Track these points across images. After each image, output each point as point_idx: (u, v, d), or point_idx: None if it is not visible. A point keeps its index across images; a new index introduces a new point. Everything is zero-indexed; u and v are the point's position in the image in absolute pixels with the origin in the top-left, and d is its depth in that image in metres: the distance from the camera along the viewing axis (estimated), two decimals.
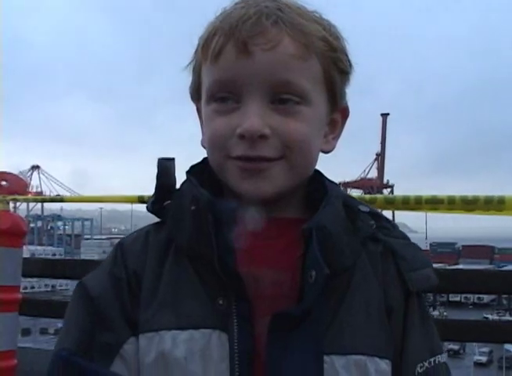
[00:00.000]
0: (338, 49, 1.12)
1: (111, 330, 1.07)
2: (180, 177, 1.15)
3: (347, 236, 1.09)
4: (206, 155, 1.16)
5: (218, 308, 1.04)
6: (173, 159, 1.16)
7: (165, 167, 1.14)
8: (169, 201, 1.13)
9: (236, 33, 1.03)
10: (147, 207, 1.16)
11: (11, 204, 3.99)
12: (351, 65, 1.15)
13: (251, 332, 1.03)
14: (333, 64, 1.11)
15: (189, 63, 1.16)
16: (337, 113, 1.18)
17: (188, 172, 1.14)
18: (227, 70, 1.05)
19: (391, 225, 1.19)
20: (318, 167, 1.18)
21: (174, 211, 1.11)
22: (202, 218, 1.04)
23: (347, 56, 1.14)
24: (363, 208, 1.17)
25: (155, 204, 1.15)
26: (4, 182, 3.88)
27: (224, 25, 1.06)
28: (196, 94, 1.17)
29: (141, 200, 3.74)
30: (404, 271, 1.12)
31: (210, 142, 1.11)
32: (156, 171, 1.15)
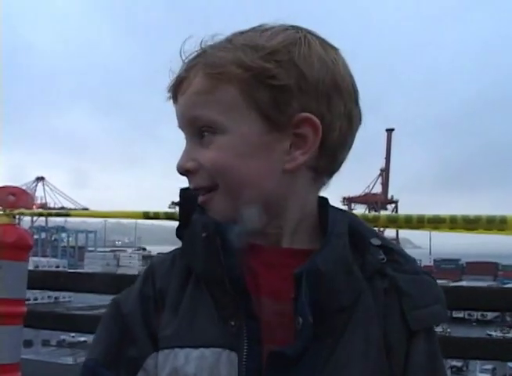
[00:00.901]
0: (262, 68, 1.08)
1: (137, 345, 1.13)
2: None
3: (349, 274, 1.10)
4: None
5: (229, 329, 1.07)
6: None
7: (187, 195, 1.19)
8: None
9: (174, 82, 1.18)
10: (176, 232, 1.21)
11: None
12: (290, 76, 1.09)
13: (260, 351, 1.06)
14: (258, 83, 1.09)
15: None
16: (303, 127, 1.11)
17: (198, 203, 1.18)
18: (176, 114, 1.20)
19: (404, 259, 1.17)
20: None
21: (188, 239, 1.17)
22: (212, 243, 1.09)
23: (284, 66, 1.09)
24: (375, 242, 1.16)
25: (179, 230, 1.20)
26: (10, 196, 3.92)
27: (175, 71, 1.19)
28: None
29: (146, 216, 3.77)
30: (407, 309, 1.11)
31: None
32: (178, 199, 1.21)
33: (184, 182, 1.18)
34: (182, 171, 1.16)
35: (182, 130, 1.19)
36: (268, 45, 1.11)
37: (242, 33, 1.17)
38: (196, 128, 1.14)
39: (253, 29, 1.17)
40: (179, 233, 1.20)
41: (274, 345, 1.04)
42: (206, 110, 1.12)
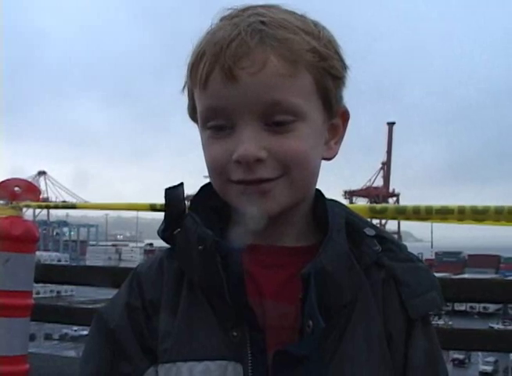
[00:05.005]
0: (329, 57, 1.09)
1: (130, 361, 1.09)
2: (194, 184, 1.17)
3: (351, 269, 1.09)
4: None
5: (231, 339, 1.05)
6: (181, 185, 1.16)
7: (173, 196, 1.15)
8: (179, 229, 1.13)
9: (220, 58, 1.03)
10: (158, 233, 1.16)
11: None
12: (345, 68, 1.13)
13: (265, 362, 1.04)
14: (325, 72, 1.09)
15: (184, 86, 1.15)
16: (337, 118, 1.16)
17: (190, 208, 1.15)
18: (216, 97, 1.05)
19: (397, 247, 1.18)
20: (324, 175, 1.17)
21: (182, 247, 1.12)
22: (210, 258, 1.05)
23: (340, 60, 1.13)
24: (369, 232, 1.16)
25: (165, 231, 1.15)
26: (17, 189, 3.93)
27: (209, 48, 1.05)
28: (194, 116, 1.15)
29: (153, 207, 3.78)
30: (406, 298, 1.11)
31: (210, 168, 1.11)
32: (164, 198, 1.15)
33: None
34: (253, 160, 1.04)
35: (241, 114, 1.05)
36: (322, 34, 1.11)
37: (272, 8, 1.10)
38: (270, 113, 1.04)
39: (275, 7, 1.11)
40: (165, 234, 1.15)
41: (279, 347, 1.03)
42: (290, 94, 1.04)
